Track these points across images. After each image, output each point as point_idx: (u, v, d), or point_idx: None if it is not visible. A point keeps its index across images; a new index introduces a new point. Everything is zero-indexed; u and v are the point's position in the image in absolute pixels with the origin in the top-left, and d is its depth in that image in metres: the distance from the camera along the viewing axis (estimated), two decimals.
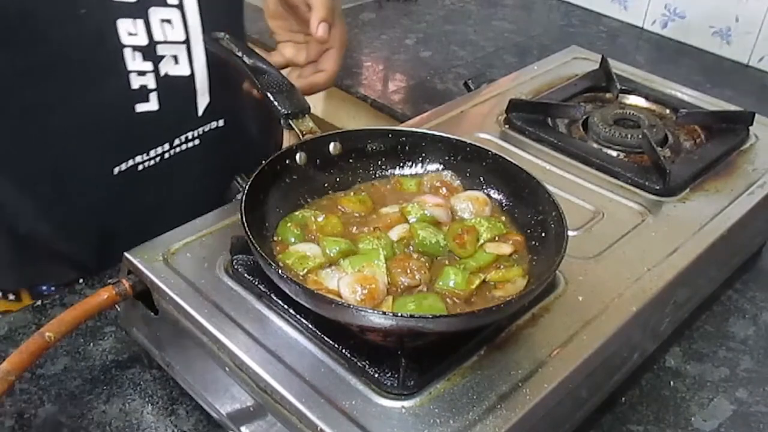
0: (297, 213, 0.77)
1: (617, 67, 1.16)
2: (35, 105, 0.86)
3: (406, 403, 0.63)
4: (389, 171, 0.85)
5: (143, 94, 0.89)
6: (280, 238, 0.75)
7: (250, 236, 0.66)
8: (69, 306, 0.72)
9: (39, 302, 0.87)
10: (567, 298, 0.74)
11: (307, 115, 0.85)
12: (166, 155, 0.96)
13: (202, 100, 0.95)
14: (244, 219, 0.68)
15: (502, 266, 0.73)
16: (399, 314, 0.63)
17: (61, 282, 0.91)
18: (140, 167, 0.94)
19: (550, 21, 1.88)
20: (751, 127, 1.04)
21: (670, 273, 0.79)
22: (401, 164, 0.86)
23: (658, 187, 0.90)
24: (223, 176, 0.85)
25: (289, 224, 0.76)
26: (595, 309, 0.73)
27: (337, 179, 0.83)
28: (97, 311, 0.73)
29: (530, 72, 1.18)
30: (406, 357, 0.64)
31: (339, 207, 0.80)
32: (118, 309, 0.81)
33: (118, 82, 0.87)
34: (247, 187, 0.72)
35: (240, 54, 0.89)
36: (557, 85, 1.13)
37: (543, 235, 0.75)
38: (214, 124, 0.99)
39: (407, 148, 0.85)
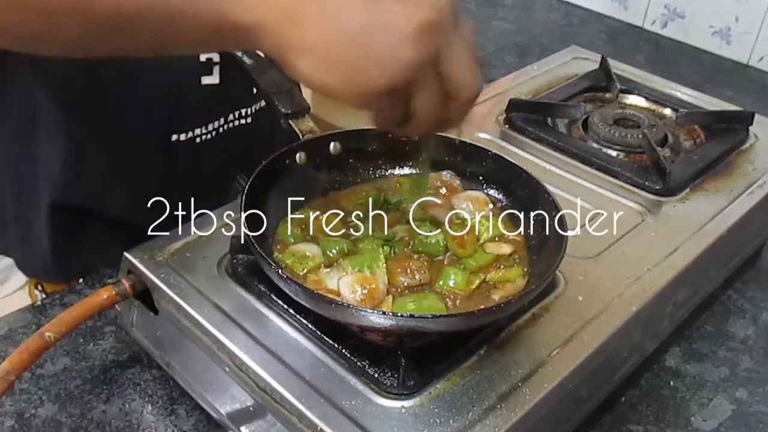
0: (297, 213, 0.77)
1: (617, 66, 1.16)
2: (108, 73, 0.87)
3: (406, 403, 0.63)
4: (389, 171, 0.85)
5: (208, 67, 0.91)
6: (280, 237, 0.75)
7: (250, 236, 0.66)
8: (69, 306, 0.72)
9: (39, 302, 0.87)
10: (567, 298, 0.74)
11: (307, 115, 0.85)
12: (221, 129, 0.98)
13: None
14: (244, 219, 0.68)
15: (502, 266, 0.73)
16: (399, 314, 0.63)
17: (107, 260, 0.90)
18: (198, 140, 0.96)
19: (550, 21, 1.88)
20: (750, 127, 1.04)
21: (670, 273, 0.79)
22: (401, 164, 0.86)
23: (658, 187, 0.90)
24: (264, 156, 0.86)
25: (289, 224, 0.76)
26: (595, 309, 0.73)
27: (337, 179, 0.83)
28: (97, 311, 0.72)
29: (530, 72, 1.18)
30: (406, 357, 0.64)
31: (339, 206, 0.80)
32: (118, 309, 0.81)
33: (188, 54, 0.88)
34: (247, 186, 0.72)
35: (240, 54, 0.89)
36: (557, 85, 1.13)
37: (543, 235, 0.75)
38: (263, 103, 1.01)
39: (407, 148, 0.85)
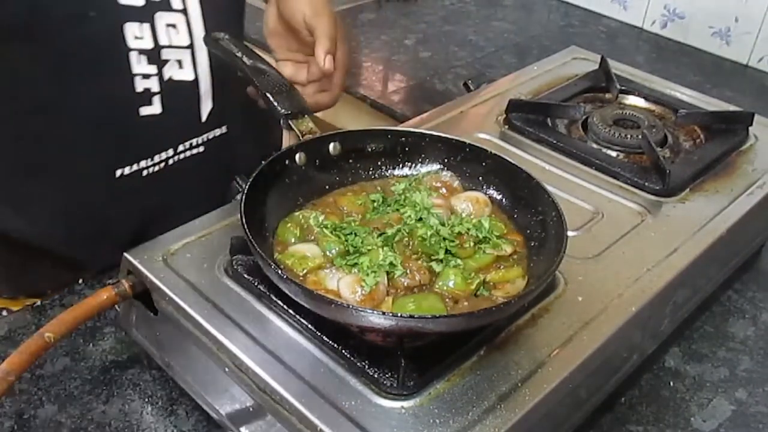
0: (297, 213, 0.77)
1: (617, 67, 1.16)
2: (42, 100, 0.86)
3: (406, 404, 0.63)
4: (389, 171, 0.85)
5: (147, 97, 0.89)
6: (279, 238, 0.75)
7: (250, 236, 0.66)
8: (69, 306, 0.72)
9: (39, 302, 0.87)
10: (567, 299, 0.74)
11: (306, 116, 0.85)
12: (171, 161, 0.96)
13: (206, 106, 0.96)
14: (243, 219, 0.68)
15: (501, 267, 0.73)
16: (398, 314, 0.63)
17: (58, 286, 0.91)
18: (144, 172, 0.94)
19: (550, 21, 1.88)
20: (750, 128, 1.04)
21: (670, 273, 0.79)
22: (401, 164, 0.86)
23: (657, 188, 0.90)
24: (224, 183, 0.85)
25: (288, 224, 0.76)
26: (595, 309, 0.73)
27: (337, 179, 0.83)
28: (96, 312, 0.73)
29: (530, 72, 1.18)
30: (405, 357, 0.64)
31: (339, 207, 0.80)
32: (118, 309, 0.81)
33: (123, 84, 0.87)
34: (246, 187, 0.72)
35: (240, 55, 0.89)
36: (557, 86, 1.13)
37: (542, 235, 0.75)
38: (217, 131, 0.99)
39: (407, 148, 0.85)
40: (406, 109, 1.42)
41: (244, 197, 0.71)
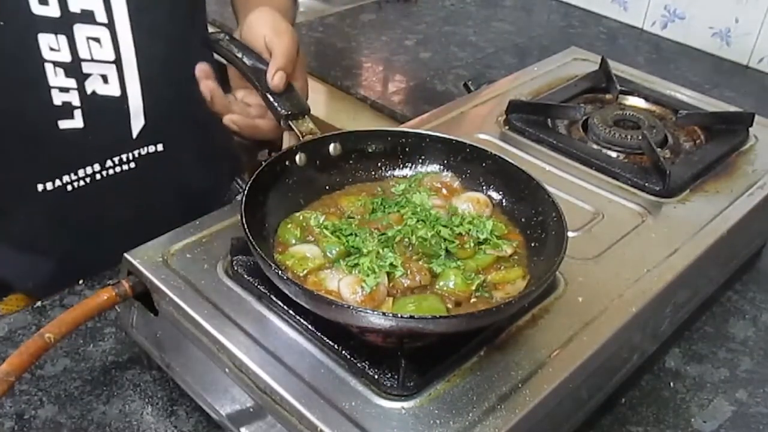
0: (297, 214, 0.77)
1: (617, 68, 1.16)
2: None
3: (406, 404, 0.63)
4: (389, 172, 0.85)
5: (67, 110, 0.87)
6: (280, 239, 0.75)
7: (250, 237, 0.66)
8: (69, 307, 0.72)
9: (39, 303, 0.87)
10: (567, 299, 0.74)
11: (307, 116, 0.85)
12: (98, 176, 0.94)
13: (137, 123, 0.93)
14: (243, 220, 0.68)
15: (502, 267, 0.73)
16: (399, 315, 0.63)
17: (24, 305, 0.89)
18: (69, 187, 0.92)
19: (550, 22, 1.88)
20: (750, 128, 1.04)
21: (670, 274, 0.79)
22: (401, 165, 0.86)
23: (657, 188, 0.90)
24: (163, 200, 0.82)
25: (289, 225, 0.76)
26: (595, 310, 0.73)
27: (337, 180, 0.83)
28: (96, 312, 0.72)
29: (530, 73, 1.18)
30: (405, 358, 0.64)
31: (339, 208, 0.80)
32: (118, 310, 0.81)
33: (39, 96, 0.85)
34: (247, 188, 0.72)
35: (240, 55, 0.89)
36: (557, 86, 1.13)
37: (543, 236, 0.75)
38: (151, 148, 0.96)
39: (407, 149, 0.85)
40: (406, 109, 1.42)
41: (244, 197, 0.71)
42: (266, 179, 0.76)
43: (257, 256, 0.66)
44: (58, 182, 0.91)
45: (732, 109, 1.10)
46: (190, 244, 0.78)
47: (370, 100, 1.47)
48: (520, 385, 0.65)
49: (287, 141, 1.24)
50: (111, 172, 0.94)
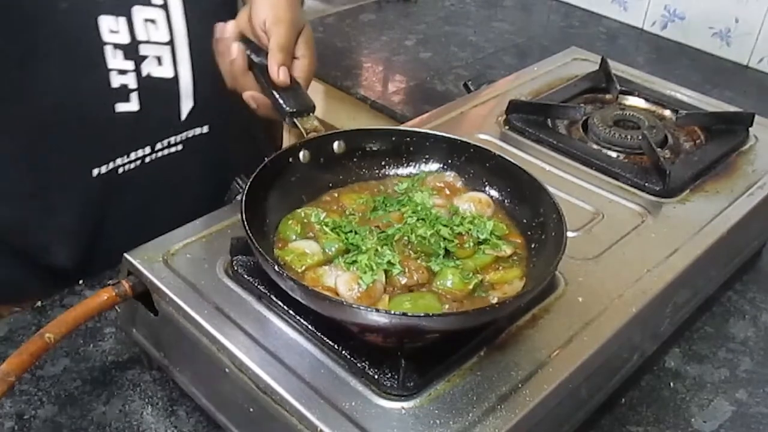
0: (299, 210, 0.77)
1: (617, 68, 1.16)
2: (15, 94, 0.85)
3: (406, 404, 0.63)
4: (392, 170, 0.85)
5: (123, 93, 0.88)
6: (281, 235, 0.75)
7: (249, 232, 0.66)
8: (69, 307, 0.72)
9: (39, 303, 0.87)
10: (567, 299, 0.74)
11: (311, 114, 0.84)
12: (147, 159, 0.94)
13: (186, 104, 0.94)
14: (244, 216, 0.68)
15: (500, 267, 0.73)
16: (392, 312, 0.63)
17: (40, 298, 0.88)
18: (120, 170, 0.92)
19: (550, 22, 1.89)
20: (750, 128, 1.04)
21: (670, 274, 0.79)
22: (405, 164, 0.85)
23: (657, 188, 0.90)
24: (208, 183, 0.83)
25: (290, 221, 0.76)
26: (595, 310, 0.73)
27: (340, 178, 0.83)
28: (97, 312, 0.72)
29: (530, 73, 1.18)
30: (405, 358, 0.64)
31: (341, 205, 0.80)
32: (118, 310, 0.81)
33: (98, 78, 0.86)
34: (249, 183, 0.72)
35: (248, 52, 0.88)
36: (557, 86, 1.13)
37: (543, 237, 0.75)
38: (198, 131, 0.97)
39: (411, 148, 0.85)
40: (406, 109, 1.42)
41: (246, 193, 0.70)
42: (269, 175, 0.75)
43: (254, 249, 0.66)
44: (111, 165, 0.92)
45: (732, 109, 1.10)
46: (191, 244, 0.78)
47: (370, 100, 1.47)
48: (520, 385, 0.65)
49: (287, 140, 1.24)
50: (159, 155, 0.96)
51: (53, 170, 0.91)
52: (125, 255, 0.76)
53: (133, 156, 0.93)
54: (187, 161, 0.98)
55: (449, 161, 0.85)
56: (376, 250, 0.71)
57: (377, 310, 0.62)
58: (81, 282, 0.90)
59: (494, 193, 0.83)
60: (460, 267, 0.72)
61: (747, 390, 0.83)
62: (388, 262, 0.70)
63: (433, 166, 0.85)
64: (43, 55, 0.83)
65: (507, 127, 1.03)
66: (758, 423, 0.80)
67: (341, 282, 0.68)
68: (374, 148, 0.85)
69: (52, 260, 0.96)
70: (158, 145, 0.95)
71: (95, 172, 0.91)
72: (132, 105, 0.89)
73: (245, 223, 0.67)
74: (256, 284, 0.72)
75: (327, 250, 0.72)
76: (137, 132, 0.92)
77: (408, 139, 0.85)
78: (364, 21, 1.80)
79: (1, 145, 0.89)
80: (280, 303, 0.70)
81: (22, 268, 0.96)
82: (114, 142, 0.92)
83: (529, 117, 1.03)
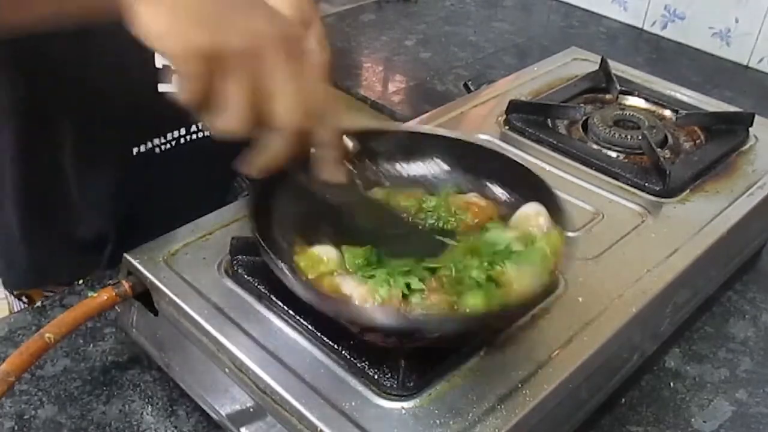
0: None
1: (617, 68, 1.16)
2: (61, 70, 0.86)
3: (406, 404, 0.63)
4: (398, 171, 0.83)
5: (166, 73, 0.89)
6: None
7: (251, 222, 0.66)
8: (69, 307, 0.72)
9: (39, 303, 0.87)
10: (567, 299, 0.74)
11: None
12: (182, 140, 0.97)
13: None
14: (250, 207, 0.68)
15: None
16: (390, 311, 0.62)
17: (76, 277, 0.91)
18: (157, 150, 0.95)
19: (550, 22, 1.89)
20: (750, 128, 1.04)
21: (670, 274, 0.79)
22: (411, 164, 0.83)
23: (657, 188, 0.90)
24: (225, 173, 0.84)
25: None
26: (595, 310, 0.73)
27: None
28: (97, 312, 0.72)
29: (530, 73, 1.18)
30: (405, 358, 0.64)
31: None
32: (118, 310, 0.81)
33: (144, 58, 0.87)
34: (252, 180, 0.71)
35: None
36: (557, 86, 1.13)
37: None
38: None
39: (418, 148, 0.82)
40: (406, 109, 1.42)
41: (253, 186, 0.70)
42: (275, 177, 0.74)
43: (253, 235, 0.65)
44: (149, 145, 0.94)
45: (732, 109, 1.10)
46: (190, 244, 0.78)
47: (370, 100, 1.47)
48: (520, 385, 0.65)
49: None
50: (194, 137, 0.97)
51: (97, 148, 0.93)
52: (125, 255, 0.76)
53: (169, 136, 0.95)
54: (213, 146, 0.99)
55: (457, 162, 0.81)
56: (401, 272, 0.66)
57: (371, 309, 0.62)
58: (81, 282, 0.90)
59: (496, 190, 0.80)
60: (484, 289, 0.65)
61: (747, 390, 0.84)
62: (407, 284, 0.64)
63: (438, 166, 0.82)
64: (92, 33, 0.83)
65: (507, 127, 1.03)
66: (758, 423, 0.80)
67: (357, 293, 0.65)
68: (381, 148, 0.81)
69: (85, 232, 0.97)
70: (193, 127, 0.97)
71: (134, 150, 0.93)
72: (173, 86, 0.90)
73: (252, 215, 0.67)
74: (256, 284, 0.72)
75: (348, 263, 0.67)
76: (175, 112, 0.93)
77: (414, 139, 0.83)
78: (364, 21, 1.80)
79: (53, 123, 0.91)
80: (280, 303, 0.70)
81: (59, 243, 0.98)
82: (154, 122, 0.94)
83: (529, 117, 1.03)
